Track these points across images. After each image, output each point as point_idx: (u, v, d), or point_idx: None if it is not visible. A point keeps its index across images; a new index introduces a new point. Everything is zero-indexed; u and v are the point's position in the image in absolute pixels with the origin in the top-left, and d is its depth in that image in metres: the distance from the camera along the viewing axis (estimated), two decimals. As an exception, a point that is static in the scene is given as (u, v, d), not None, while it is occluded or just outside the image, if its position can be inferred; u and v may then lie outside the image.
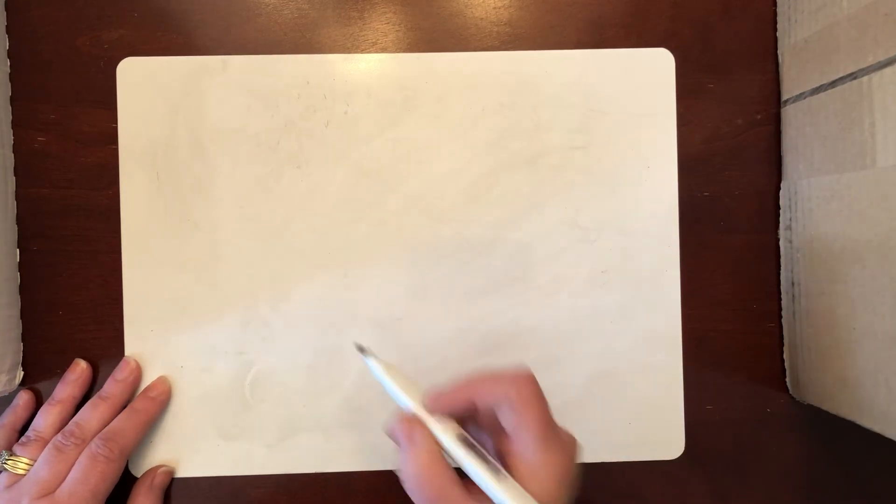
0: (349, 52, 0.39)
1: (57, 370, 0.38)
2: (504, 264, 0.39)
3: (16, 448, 0.35)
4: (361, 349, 0.33)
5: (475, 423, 0.32)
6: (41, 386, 0.38)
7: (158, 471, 0.37)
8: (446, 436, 0.30)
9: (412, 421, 0.30)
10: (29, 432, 0.36)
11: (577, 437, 0.31)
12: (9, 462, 0.34)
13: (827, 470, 0.40)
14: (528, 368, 0.30)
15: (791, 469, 0.40)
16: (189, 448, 0.38)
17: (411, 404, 0.31)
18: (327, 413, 0.38)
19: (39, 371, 0.38)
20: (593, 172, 0.39)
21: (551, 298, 0.39)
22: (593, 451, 0.39)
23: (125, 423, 0.36)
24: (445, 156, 0.39)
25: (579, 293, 0.39)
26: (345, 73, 0.39)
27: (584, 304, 0.39)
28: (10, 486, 0.33)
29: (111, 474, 0.34)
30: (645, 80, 0.40)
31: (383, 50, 0.39)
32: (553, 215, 0.39)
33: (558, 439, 0.30)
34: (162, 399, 0.38)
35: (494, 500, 0.28)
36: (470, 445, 0.30)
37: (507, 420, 0.29)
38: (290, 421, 0.38)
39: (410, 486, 0.29)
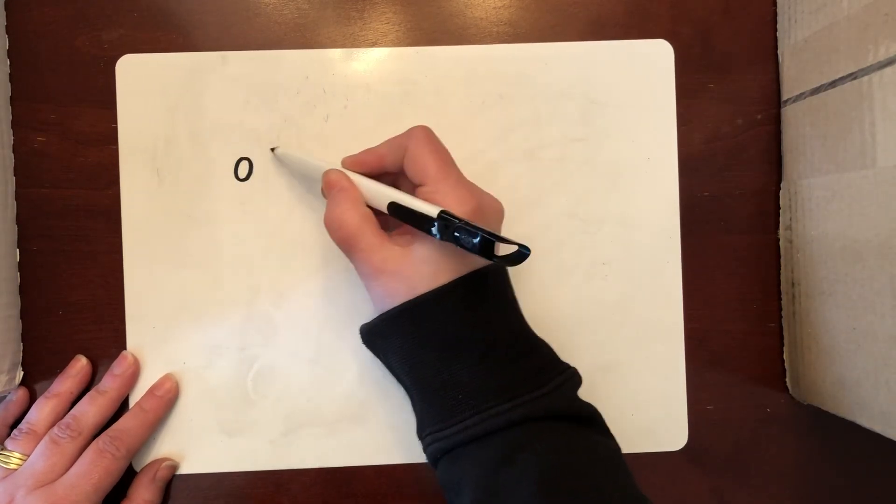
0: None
1: (57, 370, 0.37)
2: (505, 256, 0.39)
3: (7, 443, 0.35)
4: (273, 149, 0.38)
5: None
6: (41, 386, 0.38)
7: (162, 465, 0.37)
8: (367, 179, 0.33)
9: (337, 171, 0.34)
10: (21, 425, 0.35)
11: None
12: (0, 456, 0.34)
13: (827, 470, 0.40)
14: (424, 125, 0.33)
15: (791, 469, 0.40)
16: (192, 444, 0.38)
17: (330, 166, 0.34)
18: (330, 408, 0.38)
19: (39, 371, 0.38)
20: (594, 164, 0.39)
21: (552, 290, 0.39)
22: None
23: (132, 422, 0.36)
24: (445, 149, 0.39)
25: (580, 285, 0.39)
26: (344, 67, 0.39)
27: (585, 295, 0.39)
28: (3, 479, 0.33)
29: (115, 471, 0.35)
30: (644, 71, 0.40)
31: (383, 50, 0.39)
32: (553, 207, 0.39)
33: (466, 185, 0.31)
34: (169, 398, 0.37)
35: (420, 211, 0.29)
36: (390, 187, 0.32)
37: (411, 171, 0.32)
38: (292, 416, 0.38)
39: (331, 227, 0.32)
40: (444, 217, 0.28)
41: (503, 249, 0.28)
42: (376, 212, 0.32)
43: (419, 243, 0.30)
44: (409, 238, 0.31)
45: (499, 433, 0.28)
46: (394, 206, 0.31)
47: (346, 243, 0.32)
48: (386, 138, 0.33)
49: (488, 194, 0.33)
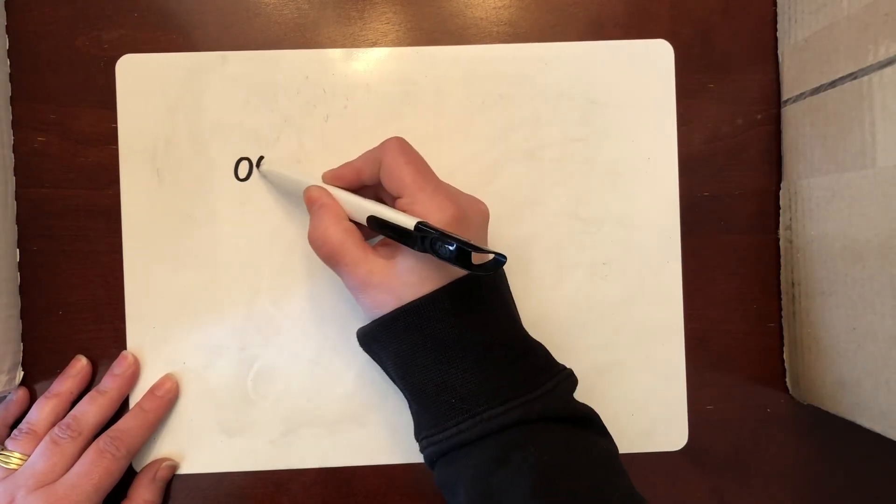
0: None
1: (57, 370, 0.37)
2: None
3: (8, 443, 0.35)
4: (258, 163, 0.38)
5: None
6: (41, 386, 0.38)
7: (162, 464, 0.37)
8: (347, 193, 0.33)
9: (318, 188, 0.34)
10: (21, 425, 0.35)
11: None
12: (0, 457, 0.34)
13: (827, 470, 0.40)
14: (397, 136, 0.33)
15: (791, 469, 0.40)
16: (192, 444, 0.38)
17: (312, 182, 0.34)
18: (330, 408, 0.38)
19: (39, 371, 0.38)
20: (594, 164, 0.39)
21: (553, 290, 0.39)
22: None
23: (133, 422, 0.36)
24: (445, 149, 0.39)
25: (581, 285, 0.39)
26: (344, 67, 0.39)
27: (585, 295, 0.39)
28: (3, 479, 0.33)
29: (115, 472, 0.35)
30: (644, 71, 0.40)
31: (383, 50, 0.39)
32: (553, 207, 0.39)
33: (444, 191, 0.31)
34: (169, 398, 0.37)
35: (397, 223, 0.29)
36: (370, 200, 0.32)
37: (388, 183, 0.32)
38: (292, 416, 0.38)
39: (315, 244, 0.32)
40: (421, 228, 0.28)
41: (484, 257, 0.28)
42: (359, 224, 0.32)
43: (403, 254, 0.30)
44: (393, 249, 0.31)
45: (493, 436, 0.28)
46: (373, 220, 0.31)
47: (331, 259, 0.32)
48: (386, 138, 0.33)
49: (470, 197, 0.33)
